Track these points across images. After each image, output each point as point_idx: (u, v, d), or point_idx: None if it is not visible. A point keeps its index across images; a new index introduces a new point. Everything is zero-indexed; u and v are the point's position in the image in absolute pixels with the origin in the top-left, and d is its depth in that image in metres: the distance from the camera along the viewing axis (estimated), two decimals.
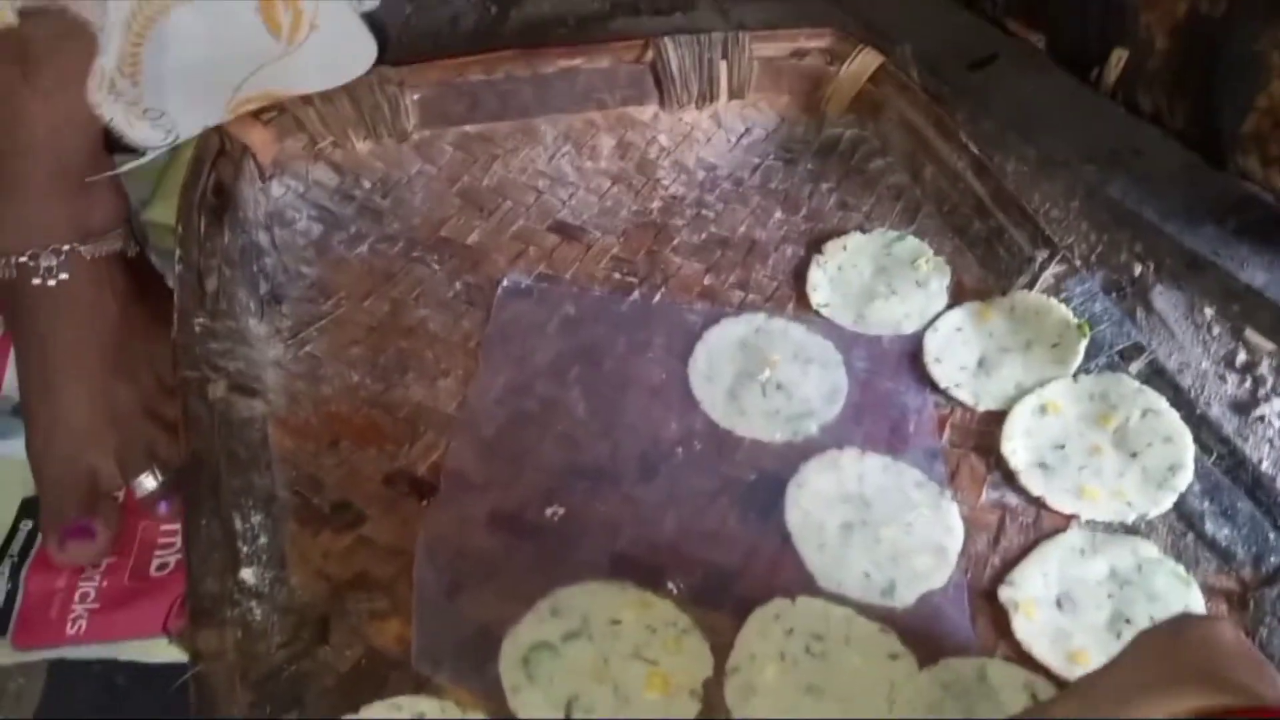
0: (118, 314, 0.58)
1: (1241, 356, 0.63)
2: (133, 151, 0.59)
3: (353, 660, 0.47)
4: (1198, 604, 0.50)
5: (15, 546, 0.55)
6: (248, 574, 0.48)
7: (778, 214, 0.71)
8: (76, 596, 0.53)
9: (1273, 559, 0.51)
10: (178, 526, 0.55)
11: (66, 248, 0.56)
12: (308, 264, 0.65)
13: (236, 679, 0.44)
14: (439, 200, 0.69)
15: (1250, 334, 0.63)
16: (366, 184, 0.69)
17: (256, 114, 0.67)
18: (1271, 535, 0.52)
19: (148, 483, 0.55)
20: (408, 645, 0.47)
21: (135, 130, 0.57)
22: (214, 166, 0.64)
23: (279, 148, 0.68)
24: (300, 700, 0.45)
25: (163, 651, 0.50)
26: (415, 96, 0.70)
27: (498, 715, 0.45)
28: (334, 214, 0.68)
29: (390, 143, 0.71)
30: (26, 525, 0.56)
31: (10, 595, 0.53)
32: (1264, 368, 0.62)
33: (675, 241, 0.69)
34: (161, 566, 0.54)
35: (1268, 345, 0.62)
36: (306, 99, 0.68)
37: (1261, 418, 0.60)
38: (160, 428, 0.56)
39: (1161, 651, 0.36)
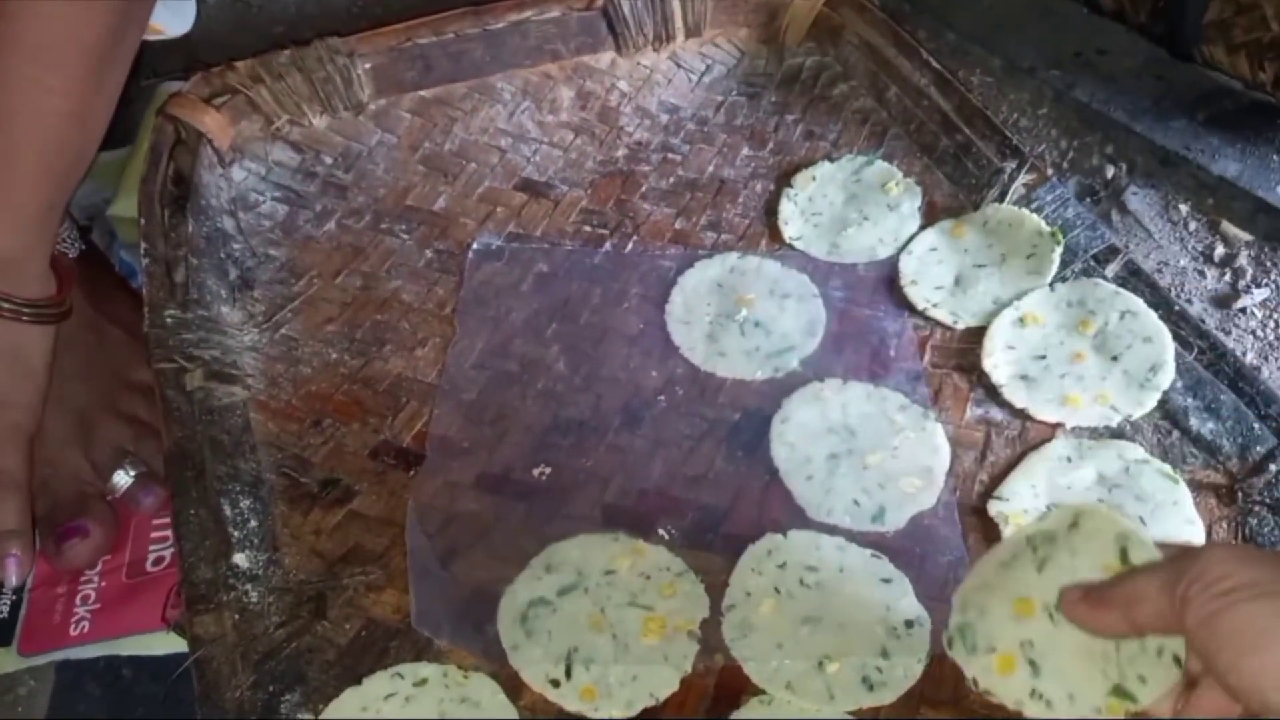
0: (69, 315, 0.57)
1: (1219, 250, 0.62)
2: None
3: (352, 633, 0.47)
4: (1186, 501, 0.50)
5: None
6: (240, 558, 0.48)
7: (745, 150, 0.70)
8: (78, 599, 0.53)
9: (1258, 448, 0.51)
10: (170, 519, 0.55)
11: None
12: (276, 246, 0.64)
13: (238, 661, 0.45)
14: (402, 169, 0.69)
15: (1226, 226, 0.63)
16: (328, 159, 0.69)
17: (208, 99, 0.66)
18: (1256, 425, 0.52)
19: (121, 479, 0.55)
20: (405, 615, 0.48)
21: None
22: (172, 156, 0.64)
23: (235, 131, 0.67)
24: (303, 676, 0.45)
25: (165, 643, 0.51)
26: (367, 66, 0.69)
27: (499, 674, 0.46)
28: (298, 193, 0.67)
29: (347, 115, 0.70)
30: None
31: (15, 605, 0.54)
32: (1243, 259, 0.62)
33: (643, 188, 0.68)
34: (158, 561, 0.54)
35: (1245, 236, 0.62)
36: (257, 78, 0.67)
37: (1243, 310, 0.60)
38: (127, 424, 0.56)
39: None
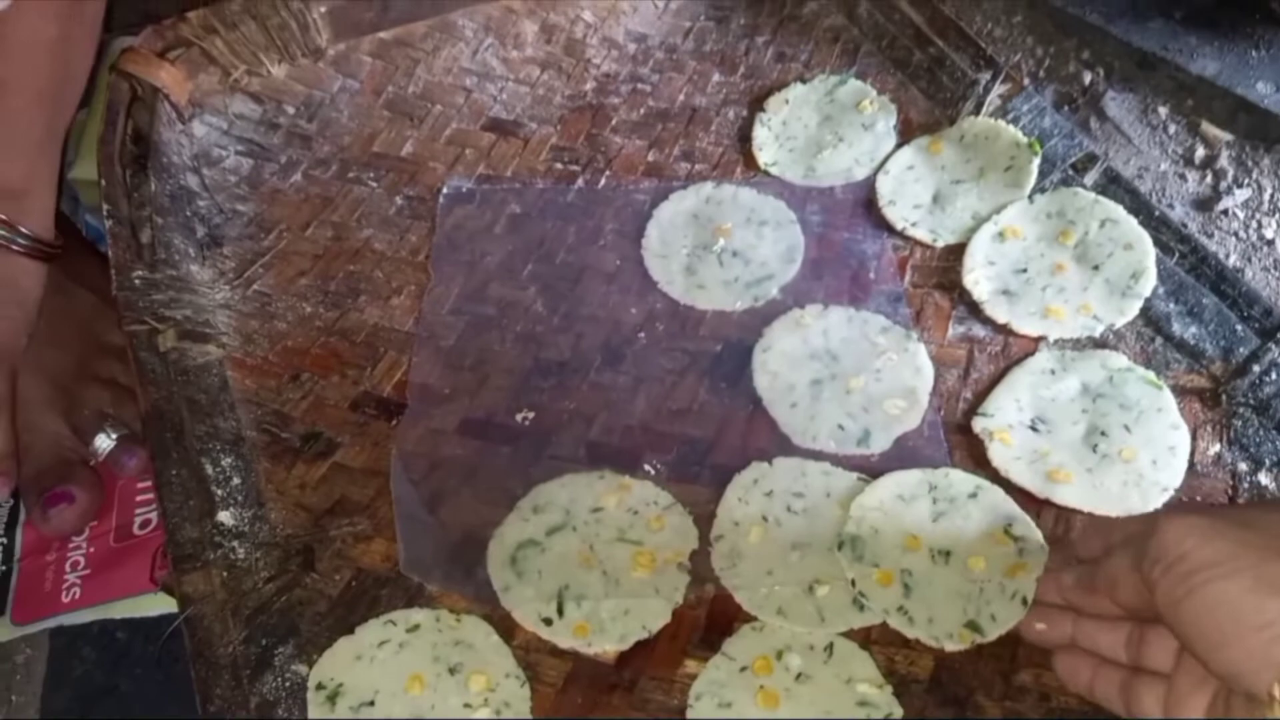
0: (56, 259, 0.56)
1: (1200, 152, 0.61)
2: None
3: (342, 584, 0.47)
4: (1170, 407, 0.50)
5: None
6: (225, 516, 0.48)
7: (716, 76, 0.69)
8: (68, 565, 0.53)
9: (1241, 350, 0.51)
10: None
11: None
12: (242, 201, 0.63)
13: (228, 617, 0.45)
14: (366, 115, 0.67)
15: (1207, 127, 0.61)
16: (290, 109, 0.67)
17: (161, 53, 0.64)
18: (1239, 327, 0.52)
19: (103, 443, 0.55)
20: (394, 563, 0.48)
21: None
22: (129, 114, 0.62)
23: (193, 85, 0.66)
24: (295, 628, 0.46)
25: (156, 604, 0.51)
26: (323, 9, 0.67)
27: (491, 616, 0.46)
28: (262, 145, 0.66)
29: (306, 63, 0.68)
30: (8, 504, 0.56)
31: (5, 575, 0.54)
32: (1223, 160, 0.61)
33: (614, 121, 0.67)
34: (145, 524, 0.54)
35: (1225, 136, 0.61)
36: (211, 29, 0.65)
37: (1225, 211, 0.59)
38: (104, 387, 0.56)
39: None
